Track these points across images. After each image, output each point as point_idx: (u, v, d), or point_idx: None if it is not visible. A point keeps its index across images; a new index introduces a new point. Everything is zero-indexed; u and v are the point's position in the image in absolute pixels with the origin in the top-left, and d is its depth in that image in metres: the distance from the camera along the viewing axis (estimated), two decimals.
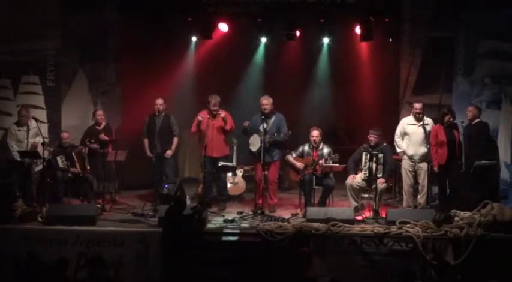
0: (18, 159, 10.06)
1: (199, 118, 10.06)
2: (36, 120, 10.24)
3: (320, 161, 9.70)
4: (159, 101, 10.26)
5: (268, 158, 9.90)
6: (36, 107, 11.10)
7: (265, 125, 9.76)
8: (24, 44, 11.13)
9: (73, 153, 10.14)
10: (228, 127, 10.14)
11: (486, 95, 10.98)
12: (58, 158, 10.05)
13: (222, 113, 10.14)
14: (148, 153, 10.26)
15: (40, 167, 10.14)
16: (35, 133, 10.22)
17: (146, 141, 10.33)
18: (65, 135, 10.27)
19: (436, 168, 9.60)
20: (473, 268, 8.23)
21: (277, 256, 8.33)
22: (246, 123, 10.15)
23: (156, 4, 11.10)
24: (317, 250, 8.42)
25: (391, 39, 11.36)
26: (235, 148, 10.72)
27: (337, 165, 9.72)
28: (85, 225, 8.85)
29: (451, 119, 9.70)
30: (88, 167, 10.24)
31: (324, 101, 12.45)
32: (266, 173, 9.89)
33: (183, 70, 11.88)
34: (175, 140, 10.38)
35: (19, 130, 10.21)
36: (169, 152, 10.28)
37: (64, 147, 10.19)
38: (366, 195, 9.96)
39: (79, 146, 10.36)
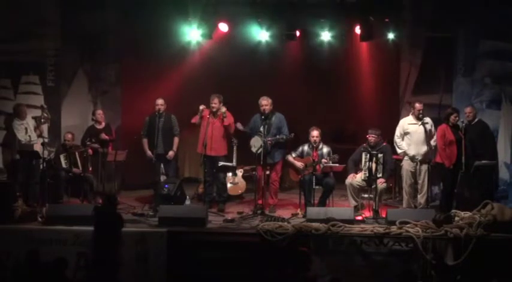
0: (24, 142, 10.07)
1: (201, 107, 10.04)
2: (36, 120, 10.26)
3: (323, 160, 9.69)
4: (160, 101, 10.20)
5: (270, 159, 9.91)
6: (36, 107, 11.10)
7: (265, 126, 9.77)
8: (24, 44, 11.14)
9: (76, 153, 10.15)
10: (226, 123, 10.11)
11: (486, 95, 10.99)
12: (62, 157, 10.06)
13: (223, 109, 10.10)
14: (149, 153, 10.18)
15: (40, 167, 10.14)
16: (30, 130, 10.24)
17: (145, 141, 10.26)
18: (68, 136, 10.31)
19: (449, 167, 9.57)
20: (473, 268, 8.22)
21: (277, 256, 8.34)
22: (239, 125, 10.14)
23: (156, 4, 11.10)
24: (317, 250, 8.41)
25: (391, 39, 11.34)
26: (235, 148, 10.71)
27: (337, 165, 9.72)
28: (85, 225, 8.83)
29: (457, 118, 9.71)
30: (90, 168, 10.24)
31: (324, 101, 12.44)
32: (268, 172, 9.90)
33: (183, 70, 11.84)
34: (176, 140, 10.31)
35: (21, 124, 10.22)
36: (171, 153, 10.22)
37: (67, 147, 10.22)
38: (366, 195, 9.96)
39: (82, 147, 10.36)
